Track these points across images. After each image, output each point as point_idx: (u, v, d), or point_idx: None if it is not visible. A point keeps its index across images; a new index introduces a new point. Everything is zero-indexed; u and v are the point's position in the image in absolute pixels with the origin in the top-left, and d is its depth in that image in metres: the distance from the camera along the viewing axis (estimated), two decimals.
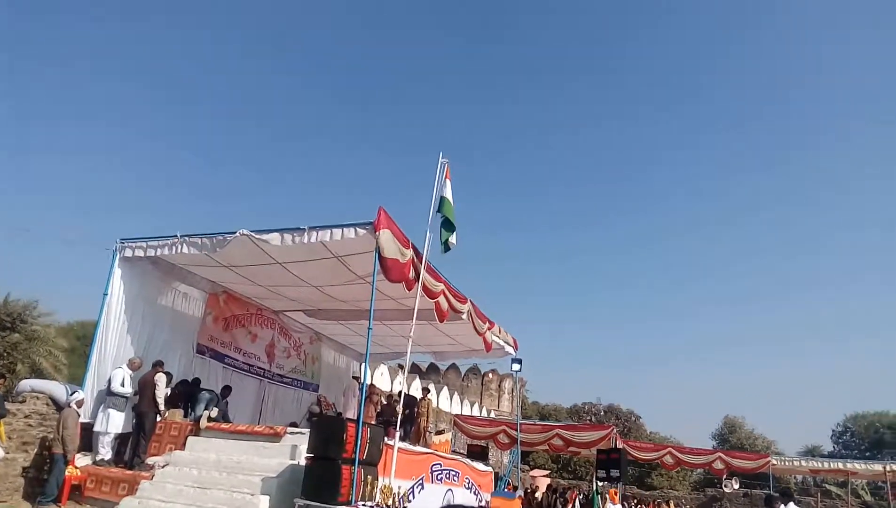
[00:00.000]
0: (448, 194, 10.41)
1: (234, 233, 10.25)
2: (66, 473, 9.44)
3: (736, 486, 25.69)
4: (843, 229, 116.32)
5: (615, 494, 17.50)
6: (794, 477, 30.71)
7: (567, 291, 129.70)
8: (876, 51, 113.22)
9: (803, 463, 24.03)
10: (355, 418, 9.29)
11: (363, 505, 7.73)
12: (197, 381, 12.39)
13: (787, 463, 23.25)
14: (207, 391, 11.60)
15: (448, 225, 10.49)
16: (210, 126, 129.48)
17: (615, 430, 20.15)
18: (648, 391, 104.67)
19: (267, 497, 8.40)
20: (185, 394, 11.90)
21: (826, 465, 23.34)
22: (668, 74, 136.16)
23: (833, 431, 54.30)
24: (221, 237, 10.46)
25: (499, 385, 41.37)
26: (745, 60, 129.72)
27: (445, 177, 10.45)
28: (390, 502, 8.19)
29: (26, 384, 11.16)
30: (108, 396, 10.59)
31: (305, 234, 9.76)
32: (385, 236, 9.21)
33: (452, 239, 10.48)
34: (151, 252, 11.21)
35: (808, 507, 9.62)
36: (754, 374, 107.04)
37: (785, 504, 9.09)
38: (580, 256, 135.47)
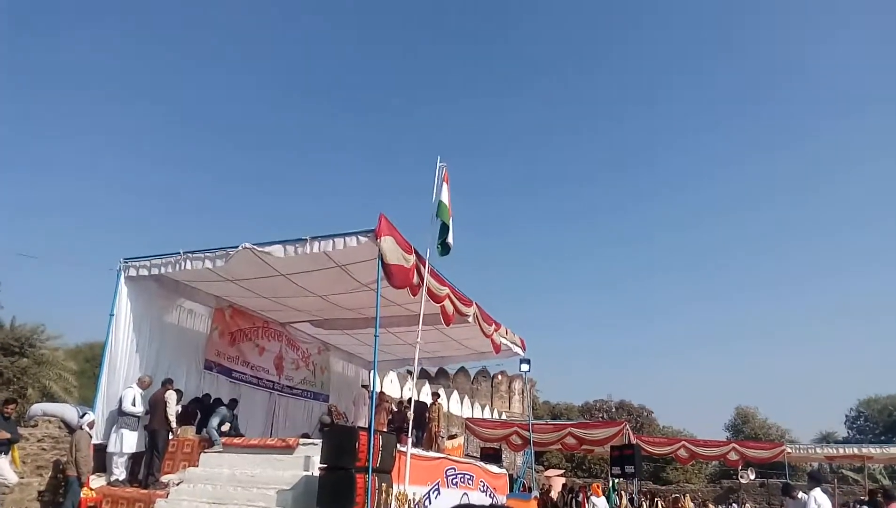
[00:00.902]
0: (445, 198, 10.39)
1: (237, 247, 10.27)
2: (82, 495, 9.46)
3: (752, 476, 25.56)
4: (852, 214, 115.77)
5: (598, 487, 17.48)
6: (810, 465, 30.50)
7: (573, 288, 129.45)
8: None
9: (818, 450, 23.91)
10: (367, 426, 9.29)
11: None
12: (208, 397, 12.43)
13: (802, 451, 23.14)
14: (224, 406, 11.61)
15: (444, 230, 10.48)
16: (201, 138, 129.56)
17: (628, 426, 20.08)
18: (659, 385, 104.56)
19: None
20: (197, 411, 11.94)
21: (841, 451, 23.24)
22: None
23: (847, 416, 54.18)
24: (224, 252, 10.48)
25: (509, 387, 41.31)
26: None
27: (444, 181, 10.45)
28: None
29: (38, 408, 11.20)
30: (119, 416, 10.60)
31: (307, 244, 9.78)
32: (387, 242, 9.22)
33: (449, 239, 10.45)
34: (155, 270, 11.22)
35: (826, 492, 9.58)
36: (764, 364, 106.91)
37: (810, 490, 9.03)
38: (584, 253, 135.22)
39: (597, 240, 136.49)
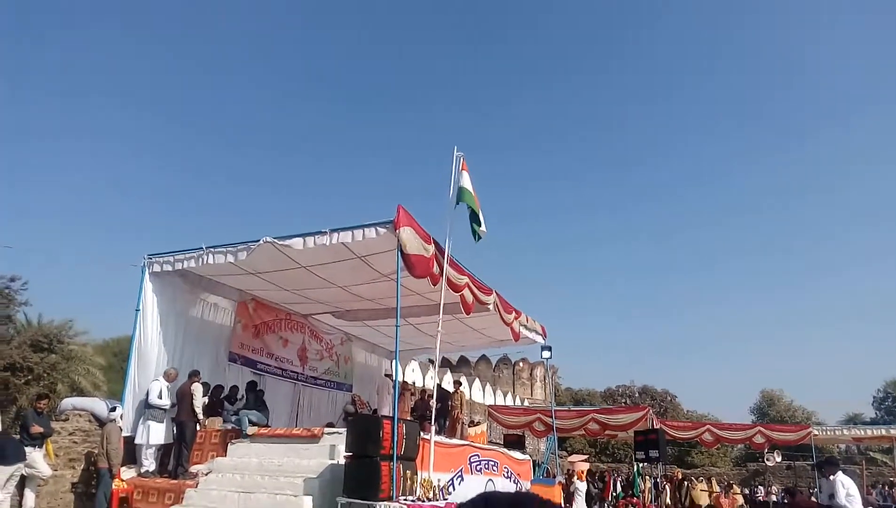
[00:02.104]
0: (467, 184, 10.39)
1: (258, 241, 10.40)
2: (113, 486, 9.67)
3: (778, 459, 25.36)
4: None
5: (582, 473, 17.58)
6: (837, 447, 30.21)
7: (593, 277, 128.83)
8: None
9: (845, 432, 23.63)
10: (390, 415, 9.38)
11: (404, 500, 7.80)
12: (235, 388, 12.62)
13: (828, 433, 22.86)
14: (252, 393, 11.86)
15: (474, 215, 10.49)
16: (207, 139, 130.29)
17: (651, 411, 20.00)
18: (682, 370, 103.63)
19: (310, 498, 8.53)
20: (224, 401, 12.14)
21: (869, 433, 22.93)
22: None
23: (874, 398, 53.40)
24: (245, 246, 10.61)
25: (530, 374, 41.33)
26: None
27: (462, 169, 10.45)
28: (431, 495, 8.25)
29: (68, 402, 11.46)
30: (147, 409, 10.81)
31: (327, 236, 9.86)
32: (406, 232, 9.27)
33: (483, 228, 10.48)
34: (179, 265, 11.39)
35: (853, 475, 9.48)
36: (790, 347, 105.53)
37: (833, 475, 8.97)
38: (602, 242, 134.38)
39: (620, 227, 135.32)
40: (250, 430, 10.63)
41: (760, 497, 22.77)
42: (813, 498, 12.06)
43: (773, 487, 25.40)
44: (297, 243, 10.15)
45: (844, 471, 9.27)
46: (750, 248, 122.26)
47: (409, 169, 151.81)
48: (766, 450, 23.20)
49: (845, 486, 8.73)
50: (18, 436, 8.95)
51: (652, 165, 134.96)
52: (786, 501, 13.11)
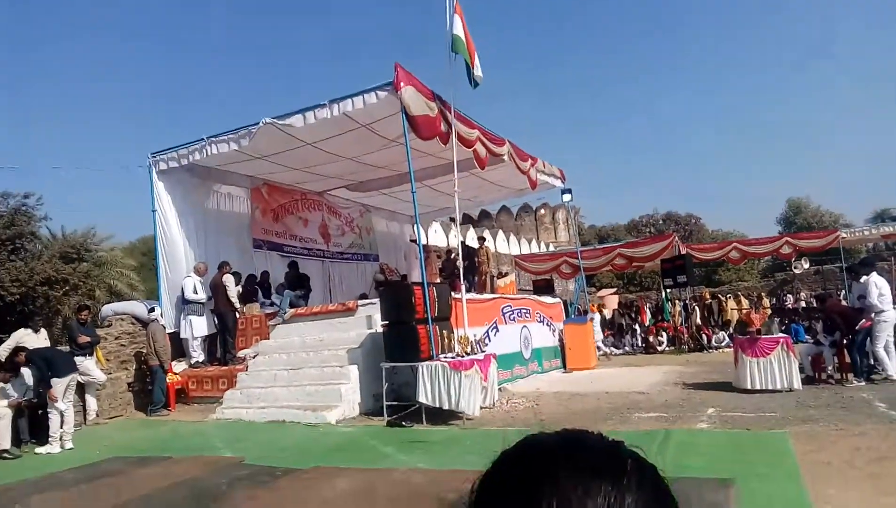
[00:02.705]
0: (459, 31, 9.66)
1: (258, 123, 10.10)
2: (168, 380, 10.17)
3: (806, 266, 25.65)
4: None
5: (594, 306, 18.09)
6: (866, 246, 30.34)
7: (602, 109, 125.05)
8: None
9: (874, 231, 23.46)
10: (419, 280, 9.48)
11: (444, 357, 8.04)
12: (266, 274, 12.86)
13: (856, 234, 22.79)
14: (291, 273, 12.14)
15: (467, 65, 9.86)
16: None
17: (676, 237, 20.04)
18: (706, 190, 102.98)
19: (355, 366, 8.90)
20: (257, 287, 12.42)
21: None
22: None
23: None
24: (246, 130, 10.33)
25: (553, 218, 41.40)
26: None
27: (455, 12, 9.69)
28: (469, 349, 8.50)
29: (108, 308, 11.81)
30: (184, 304, 11.11)
31: (327, 109, 9.49)
32: (408, 92, 8.82)
33: (478, 73, 9.87)
34: (184, 161, 11.20)
35: (882, 273, 9.52)
36: (815, 148, 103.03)
37: (867, 275, 8.98)
38: (608, 72, 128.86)
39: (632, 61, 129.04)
40: (288, 314, 10.92)
41: (789, 305, 23.23)
42: (844, 302, 12.20)
43: (802, 294, 25.93)
44: (297, 120, 9.80)
45: (878, 271, 9.27)
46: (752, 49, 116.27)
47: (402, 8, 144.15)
48: (794, 259, 23.36)
49: (878, 286, 8.76)
50: (68, 347, 9.29)
51: None
52: (816, 307, 13.31)
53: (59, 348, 9.54)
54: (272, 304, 12.12)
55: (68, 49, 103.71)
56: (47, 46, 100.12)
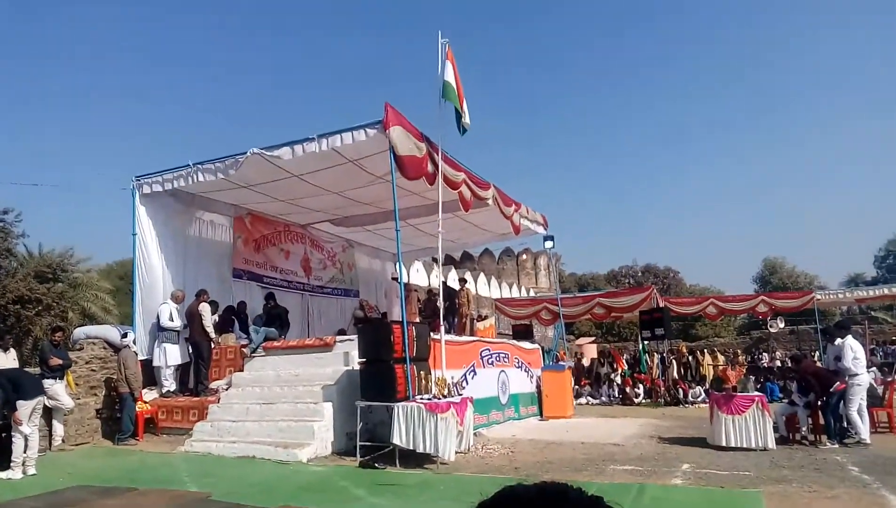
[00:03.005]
0: (450, 77, 9.84)
1: (245, 153, 10.11)
2: (137, 409, 9.90)
3: (781, 325, 25.87)
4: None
5: (564, 353, 18.30)
6: (840, 309, 30.80)
7: (588, 156, 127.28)
8: None
9: (848, 295, 23.88)
10: (399, 318, 9.42)
11: (421, 399, 7.95)
12: (243, 304, 12.70)
13: (831, 296, 23.20)
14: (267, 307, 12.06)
15: (456, 112, 10.02)
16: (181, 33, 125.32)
17: (655, 290, 20.22)
18: (684, 244, 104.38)
19: (330, 404, 8.75)
20: (233, 318, 12.25)
21: (872, 293, 23.16)
22: None
23: (875, 257, 54.16)
24: (233, 159, 10.32)
25: (534, 263, 41.63)
26: None
27: (447, 59, 9.89)
28: (446, 392, 8.41)
29: (80, 331, 11.55)
30: (159, 331, 10.89)
31: (315, 143, 9.54)
32: (396, 132, 8.92)
33: (466, 120, 10.03)
34: (168, 185, 11.13)
35: (856, 336, 9.69)
36: (791, 212, 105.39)
37: (843, 338, 9.10)
38: (594, 120, 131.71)
39: (614, 106, 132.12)
40: (263, 345, 10.77)
41: (765, 364, 23.40)
42: (818, 363, 12.33)
43: (777, 353, 26.13)
44: (285, 152, 9.84)
45: (853, 335, 9.41)
46: (732, 112, 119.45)
47: (395, 49, 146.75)
48: (769, 318, 23.63)
49: (853, 349, 8.89)
50: (38, 369, 9.04)
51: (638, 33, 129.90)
52: (791, 367, 13.43)
53: (27, 369, 9.27)
54: (248, 337, 11.94)
55: (59, 65, 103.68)
56: (40, 60, 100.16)
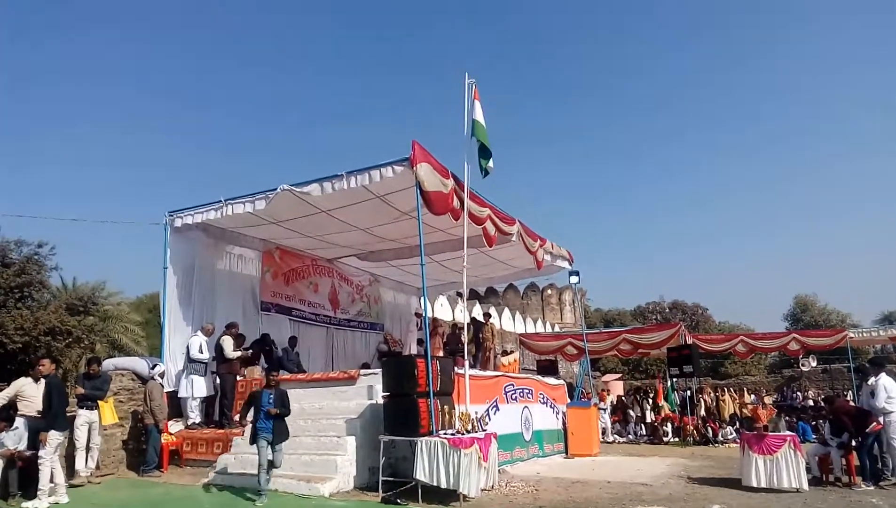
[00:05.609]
0: (479, 116, 10.04)
1: (276, 190, 10.32)
2: (162, 440, 9.98)
3: (814, 364, 25.35)
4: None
5: (589, 393, 18.03)
6: (873, 347, 30.00)
7: (612, 187, 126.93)
8: None
9: (881, 333, 23.32)
10: (421, 353, 9.44)
11: (444, 434, 7.91)
12: (268, 336, 12.83)
13: (864, 335, 22.67)
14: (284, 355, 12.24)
15: (484, 150, 10.18)
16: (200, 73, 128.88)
17: (683, 326, 19.95)
18: (713, 282, 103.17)
19: (353, 438, 8.73)
20: (260, 352, 12.38)
21: None
22: None
23: None
24: (264, 195, 10.55)
25: (559, 298, 41.44)
26: None
27: (474, 98, 10.09)
28: (469, 427, 8.36)
29: (109, 363, 11.72)
30: (188, 363, 11.03)
31: (344, 180, 9.71)
32: (423, 169, 9.06)
33: (490, 164, 10.19)
34: (199, 219, 11.39)
35: (890, 373, 9.43)
36: (822, 248, 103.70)
37: (876, 376, 8.89)
38: (621, 150, 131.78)
39: (641, 135, 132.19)
40: (286, 377, 10.82)
41: (797, 403, 22.79)
42: (851, 402, 12.01)
43: (810, 392, 25.46)
44: (314, 189, 10.04)
45: (887, 372, 9.18)
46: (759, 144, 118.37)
47: (422, 85, 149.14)
48: (801, 356, 23.12)
49: (888, 389, 8.66)
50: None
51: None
52: (824, 407, 13.09)
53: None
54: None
55: (88, 97, 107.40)
56: (68, 91, 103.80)
